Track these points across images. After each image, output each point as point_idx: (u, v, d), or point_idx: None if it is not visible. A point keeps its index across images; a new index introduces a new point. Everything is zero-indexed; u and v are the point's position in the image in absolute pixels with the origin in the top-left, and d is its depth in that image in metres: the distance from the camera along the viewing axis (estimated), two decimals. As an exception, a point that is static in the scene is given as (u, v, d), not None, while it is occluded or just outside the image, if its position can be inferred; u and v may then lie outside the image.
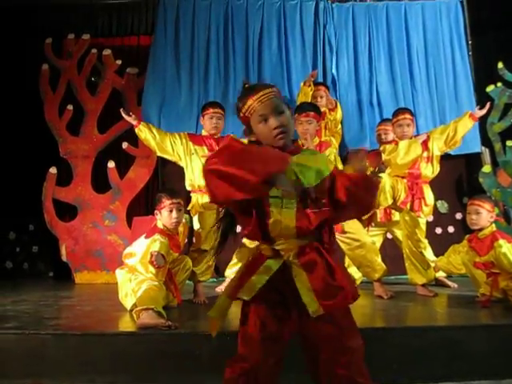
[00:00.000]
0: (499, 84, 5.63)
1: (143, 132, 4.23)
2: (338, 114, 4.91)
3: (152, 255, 3.51)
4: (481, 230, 3.81)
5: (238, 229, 5.24)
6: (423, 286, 4.22)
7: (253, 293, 1.82)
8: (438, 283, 4.60)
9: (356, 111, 5.63)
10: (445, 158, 4.72)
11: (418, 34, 5.86)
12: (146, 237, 3.72)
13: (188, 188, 4.27)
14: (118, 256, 3.93)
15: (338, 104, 5.00)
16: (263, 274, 1.84)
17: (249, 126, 1.94)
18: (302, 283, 1.81)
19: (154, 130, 4.25)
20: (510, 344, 3.03)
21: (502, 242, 3.66)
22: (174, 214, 3.74)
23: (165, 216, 3.74)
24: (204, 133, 4.32)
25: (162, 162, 5.23)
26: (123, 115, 4.32)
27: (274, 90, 1.92)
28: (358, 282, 4.67)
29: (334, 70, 5.70)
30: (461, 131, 4.32)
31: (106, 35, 6.38)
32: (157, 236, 3.65)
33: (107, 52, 5.82)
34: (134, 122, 4.26)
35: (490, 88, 5.62)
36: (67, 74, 5.77)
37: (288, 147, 1.88)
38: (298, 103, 4.64)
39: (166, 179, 5.46)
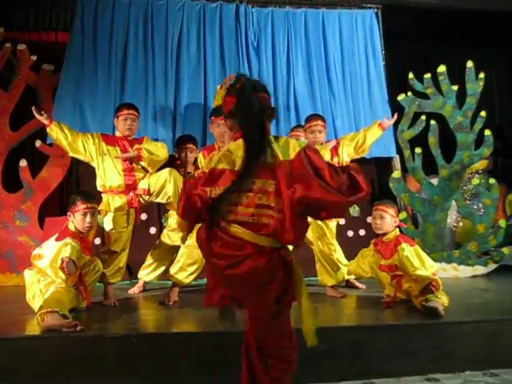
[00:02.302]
0: (409, 93, 5.88)
1: (54, 132, 4.13)
2: None
3: (63, 261, 3.43)
4: (385, 234, 3.99)
5: (152, 230, 5.26)
6: (332, 287, 4.36)
7: None
8: (348, 284, 4.74)
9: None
10: (356, 164, 4.88)
11: (334, 41, 6.02)
12: (57, 239, 3.65)
13: (99, 189, 4.21)
14: (29, 258, 3.82)
15: None
16: None
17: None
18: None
19: (66, 130, 4.16)
20: (410, 343, 3.19)
21: (404, 245, 3.85)
22: (88, 218, 3.69)
23: (78, 220, 3.68)
24: (118, 134, 4.29)
25: (77, 162, 5.11)
26: (35, 114, 4.21)
27: None
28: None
29: (258, 73, 5.77)
30: (369, 139, 4.52)
31: (22, 29, 6.18)
32: (68, 240, 3.59)
33: (22, 47, 5.61)
34: (46, 122, 4.16)
35: (400, 97, 5.87)
36: (-22, 68, 5.54)
37: None
38: (214, 106, 4.68)
39: (81, 179, 5.35)
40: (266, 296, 2.05)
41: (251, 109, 2.10)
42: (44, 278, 3.54)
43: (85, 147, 4.16)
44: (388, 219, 3.97)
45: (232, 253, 2.02)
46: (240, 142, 2.10)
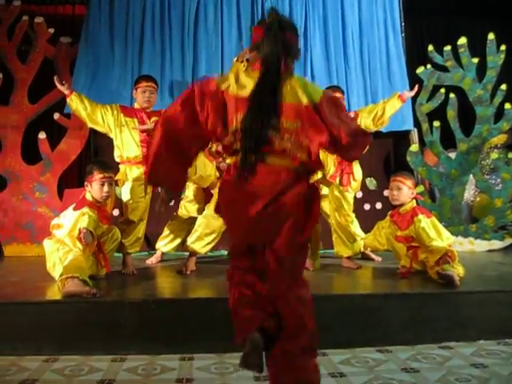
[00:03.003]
0: (429, 66, 5.82)
1: (74, 102, 4.16)
2: None
3: (80, 232, 3.49)
4: (402, 205, 3.99)
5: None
6: (348, 258, 4.38)
7: None
8: (364, 256, 4.76)
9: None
10: (374, 137, 4.85)
11: (353, 13, 5.92)
12: (75, 208, 3.69)
13: (117, 159, 4.25)
14: (49, 228, 3.89)
15: None
16: None
17: None
18: None
19: (86, 101, 4.19)
20: (425, 312, 3.21)
21: (421, 216, 3.85)
22: (106, 188, 3.72)
23: (95, 189, 3.72)
24: (136, 106, 4.31)
25: (95, 134, 5.17)
26: (56, 83, 4.23)
27: None
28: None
29: None
30: (388, 111, 4.45)
31: (39, 2, 6.18)
32: (85, 209, 3.63)
33: (39, 20, 5.63)
34: (67, 92, 4.19)
35: (419, 70, 5.80)
36: (-4, 41, 5.58)
37: None
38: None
39: (99, 151, 5.40)
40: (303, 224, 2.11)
41: (275, 44, 2.12)
42: (63, 246, 3.58)
43: (103, 118, 4.19)
44: (405, 190, 3.96)
45: (271, 184, 2.03)
46: (255, 74, 2.14)
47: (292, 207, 2.05)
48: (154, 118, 4.23)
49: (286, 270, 2.08)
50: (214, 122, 2.08)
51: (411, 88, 5.04)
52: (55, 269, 3.51)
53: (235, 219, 2.15)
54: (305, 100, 2.10)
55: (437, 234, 3.83)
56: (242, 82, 2.12)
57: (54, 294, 3.24)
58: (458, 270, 3.49)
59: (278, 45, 2.11)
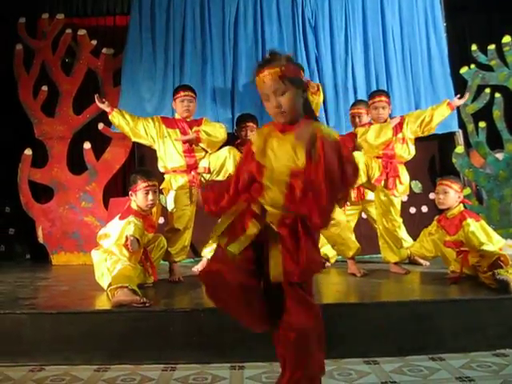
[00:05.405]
0: (472, 66, 5.70)
1: (116, 118, 4.24)
2: (321, 97, 4.89)
3: (127, 239, 3.52)
4: (449, 209, 3.90)
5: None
6: (396, 263, 4.31)
7: (239, 250, 1.99)
8: (411, 261, 4.68)
9: (333, 93, 5.63)
10: (418, 140, 4.75)
11: (393, 16, 5.81)
12: (121, 218, 3.72)
13: (161, 169, 4.30)
14: (95, 237, 3.93)
15: (321, 87, 4.97)
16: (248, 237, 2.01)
17: None
18: (275, 248, 1.99)
19: (127, 116, 4.26)
20: (477, 318, 3.12)
21: (470, 220, 3.75)
22: (150, 196, 3.73)
23: (140, 198, 3.73)
24: (177, 116, 4.35)
25: (138, 144, 5.22)
26: (97, 102, 4.32)
27: (277, 69, 2.01)
28: (332, 261, 4.75)
29: (316, 52, 5.69)
30: (436, 119, 4.35)
31: (82, 15, 6.32)
32: (131, 218, 3.66)
33: (82, 32, 5.76)
34: (108, 109, 4.27)
35: (463, 70, 5.70)
36: (41, 54, 5.69)
37: (292, 123, 2.05)
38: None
39: (143, 160, 5.46)
40: None
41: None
42: (110, 256, 3.62)
43: (146, 131, 4.25)
44: (451, 194, 3.88)
45: None
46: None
47: None
48: (195, 128, 4.26)
49: None
50: None
51: (455, 88, 4.93)
52: (103, 279, 3.55)
53: None
54: None
55: (487, 237, 3.73)
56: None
57: (103, 303, 3.27)
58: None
59: None
